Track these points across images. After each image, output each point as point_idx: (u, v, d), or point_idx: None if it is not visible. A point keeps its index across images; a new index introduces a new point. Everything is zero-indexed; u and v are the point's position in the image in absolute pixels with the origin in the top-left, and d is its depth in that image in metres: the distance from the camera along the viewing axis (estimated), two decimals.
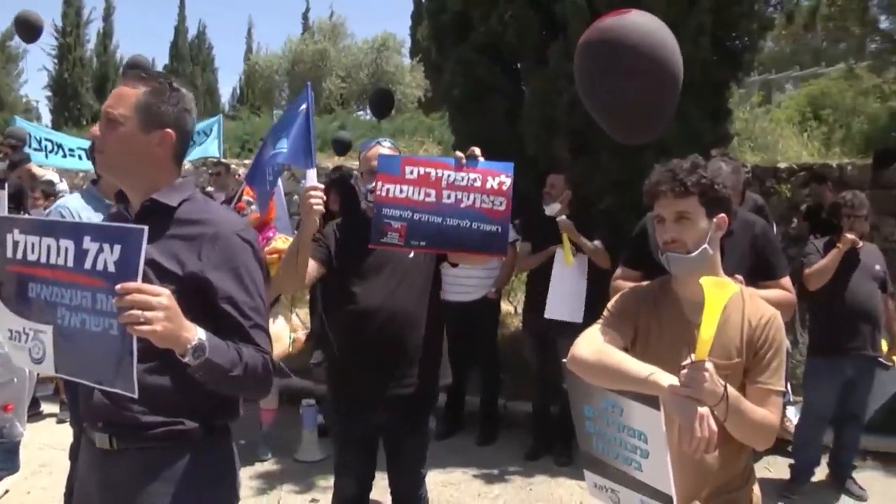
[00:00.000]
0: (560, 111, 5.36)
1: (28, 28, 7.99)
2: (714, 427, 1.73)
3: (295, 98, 3.02)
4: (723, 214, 1.99)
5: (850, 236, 4.45)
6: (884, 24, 8.46)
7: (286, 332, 4.61)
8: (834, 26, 8.70)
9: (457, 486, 4.77)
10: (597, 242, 4.86)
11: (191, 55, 34.80)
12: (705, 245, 1.94)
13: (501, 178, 2.74)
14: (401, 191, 2.70)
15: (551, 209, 5.05)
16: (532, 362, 5.26)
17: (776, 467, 5.08)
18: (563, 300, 4.91)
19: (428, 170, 2.72)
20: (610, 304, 2.12)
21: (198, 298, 1.79)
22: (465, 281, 5.38)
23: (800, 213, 8.34)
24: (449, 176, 2.70)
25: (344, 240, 2.99)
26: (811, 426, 4.73)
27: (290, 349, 4.65)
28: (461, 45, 6.06)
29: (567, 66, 5.32)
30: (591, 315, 2.87)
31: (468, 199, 2.70)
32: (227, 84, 55.19)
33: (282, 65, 26.46)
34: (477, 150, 2.72)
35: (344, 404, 3.07)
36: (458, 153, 2.73)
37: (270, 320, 4.49)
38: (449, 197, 2.69)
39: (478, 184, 2.72)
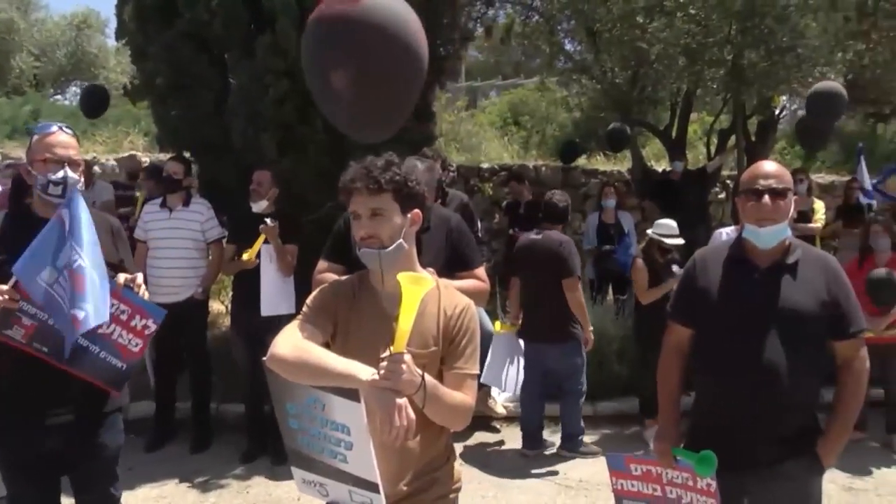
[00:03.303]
0: (267, 106, 5.27)
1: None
2: (412, 415, 1.80)
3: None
4: (417, 210, 2.06)
5: None
6: (568, 46, 9.49)
7: None
8: (528, 44, 9.55)
9: (169, 498, 4.52)
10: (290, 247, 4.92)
11: None
12: (400, 240, 2.00)
13: (148, 322, 2.66)
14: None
15: (258, 206, 4.96)
16: (242, 362, 5.11)
17: (483, 440, 5.55)
18: (276, 295, 4.87)
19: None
20: (309, 300, 2.11)
21: None
22: (171, 281, 5.10)
23: (501, 209, 9.10)
24: None
25: (5, 241, 2.59)
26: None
27: None
28: (166, 30, 5.68)
29: (274, 61, 5.27)
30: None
31: (108, 327, 2.57)
32: None
33: None
34: (139, 279, 2.58)
35: (7, 433, 2.67)
36: (124, 276, 2.59)
37: None
38: None
39: (123, 317, 2.61)
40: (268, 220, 4.75)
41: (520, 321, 5.40)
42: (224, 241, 5.26)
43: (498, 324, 5.57)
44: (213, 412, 5.54)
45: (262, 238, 4.74)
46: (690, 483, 2.47)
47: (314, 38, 2.83)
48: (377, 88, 2.71)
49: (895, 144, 14.89)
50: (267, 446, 5.03)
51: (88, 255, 2.46)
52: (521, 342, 5.41)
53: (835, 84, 6.52)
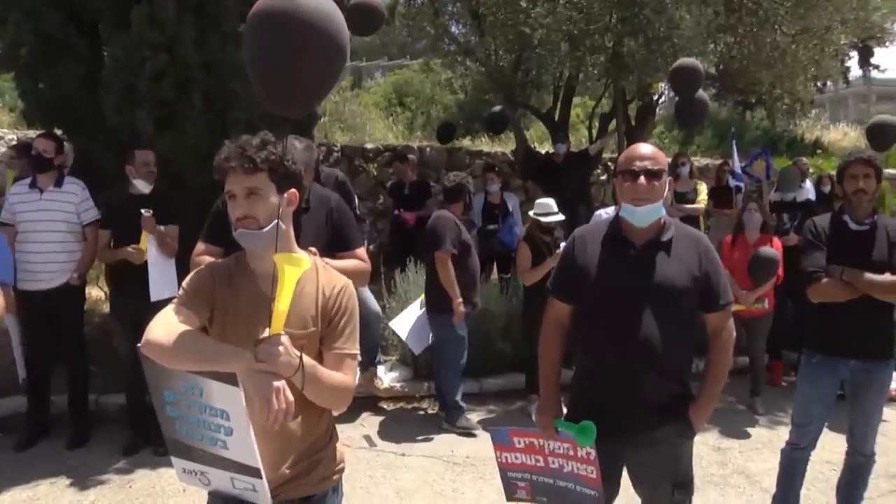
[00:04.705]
0: (143, 80, 5.02)
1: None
2: (291, 398, 1.79)
3: None
4: (293, 190, 2.02)
5: None
6: (453, 28, 9.51)
7: None
8: (412, 25, 9.51)
9: (43, 500, 4.25)
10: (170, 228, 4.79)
11: None
12: (277, 220, 1.96)
13: None
14: None
15: (147, 188, 4.78)
16: (123, 349, 4.89)
17: (369, 423, 5.56)
18: (164, 279, 4.70)
19: None
20: (185, 283, 2.04)
21: None
22: (44, 266, 4.82)
23: (385, 190, 9.07)
24: None
25: None
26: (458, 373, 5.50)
27: None
28: None
29: (151, 34, 5.02)
30: None
31: None
32: None
33: None
34: None
35: None
36: None
37: None
38: None
39: None
40: (143, 212, 4.60)
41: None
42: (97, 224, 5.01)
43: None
44: (92, 405, 5.28)
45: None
46: (571, 452, 2.56)
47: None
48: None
49: (761, 131, 15.85)
50: (150, 437, 4.85)
51: None
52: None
53: (689, 59, 6.92)
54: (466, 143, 11.93)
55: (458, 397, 5.41)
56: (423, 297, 5.59)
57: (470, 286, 5.33)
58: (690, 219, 7.00)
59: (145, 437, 4.90)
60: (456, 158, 10.36)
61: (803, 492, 3.86)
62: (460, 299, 5.18)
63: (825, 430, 3.71)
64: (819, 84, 14.09)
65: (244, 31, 2.88)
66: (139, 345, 1.89)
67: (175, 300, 2.00)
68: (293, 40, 2.83)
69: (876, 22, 8.82)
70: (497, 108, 9.36)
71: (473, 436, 5.21)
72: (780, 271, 5.79)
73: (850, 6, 8.29)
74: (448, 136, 10.29)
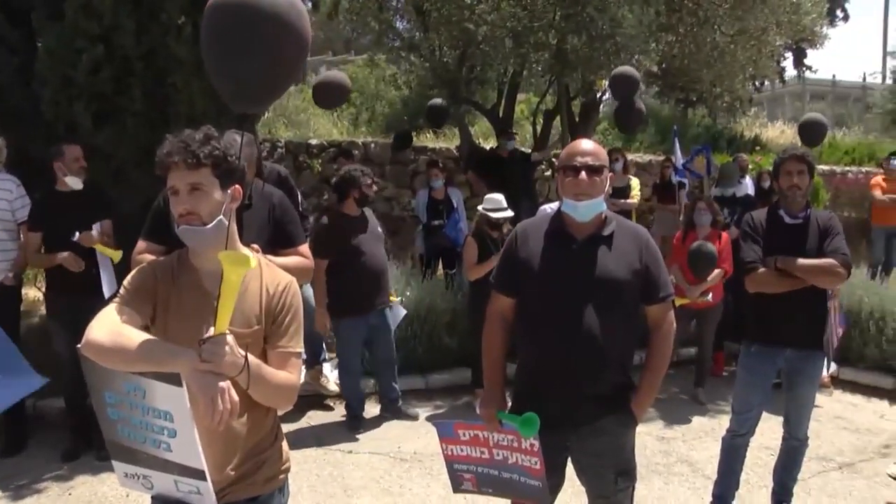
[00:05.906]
0: (80, 72, 4.87)
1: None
2: (235, 398, 1.77)
3: None
4: (237, 186, 2.00)
5: None
6: (398, 24, 9.47)
7: None
8: (356, 20, 9.44)
9: None
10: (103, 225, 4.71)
11: None
12: (220, 216, 1.93)
13: None
14: None
15: (75, 184, 4.64)
16: (61, 351, 4.72)
17: (316, 418, 5.57)
18: (111, 276, 4.61)
19: None
20: (126, 281, 2.00)
21: None
22: None
23: (330, 187, 8.99)
24: None
25: None
26: (353, 377, 5.40)
27: None
28: None
29: (87, 24, 4.87)
30: None
31: None
32: None
33: None
34: None
35: None
36: None
37: None
38: None
39: None
40: (73, 239, 4.52)
41: None
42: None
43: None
44: (28, 409, 5.11)
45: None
46: (516, 444, 2.59)
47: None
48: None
49: (703, 128, 16.20)
50: (92, 441, 4.71)
51: None
52: None
53: (625, 67, 7.10)
54: None
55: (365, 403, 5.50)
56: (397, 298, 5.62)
57: (368, 288, 5.18)
58: (624, 213, 7.14)
59: (86, 442, 4.76)
60: (400, 154, 10.32)
61: (743, 476, 4.00)
62: (323, 309, 5.08)
63: (763, 416, 3.84)
64: (757, 83, 14.51)
65: (203, 22, 2.80)
66: (79, 346, 1.85)
67: (117, 299, 1.96)
68: (256, 34, 2.79)
69: (807, 25, 9.12)
70: (436, 100, 9.30)
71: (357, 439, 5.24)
72: (729, 266, 5.95)
73: (784, 9, 8.55)
74: (404, 145, 10.24)
